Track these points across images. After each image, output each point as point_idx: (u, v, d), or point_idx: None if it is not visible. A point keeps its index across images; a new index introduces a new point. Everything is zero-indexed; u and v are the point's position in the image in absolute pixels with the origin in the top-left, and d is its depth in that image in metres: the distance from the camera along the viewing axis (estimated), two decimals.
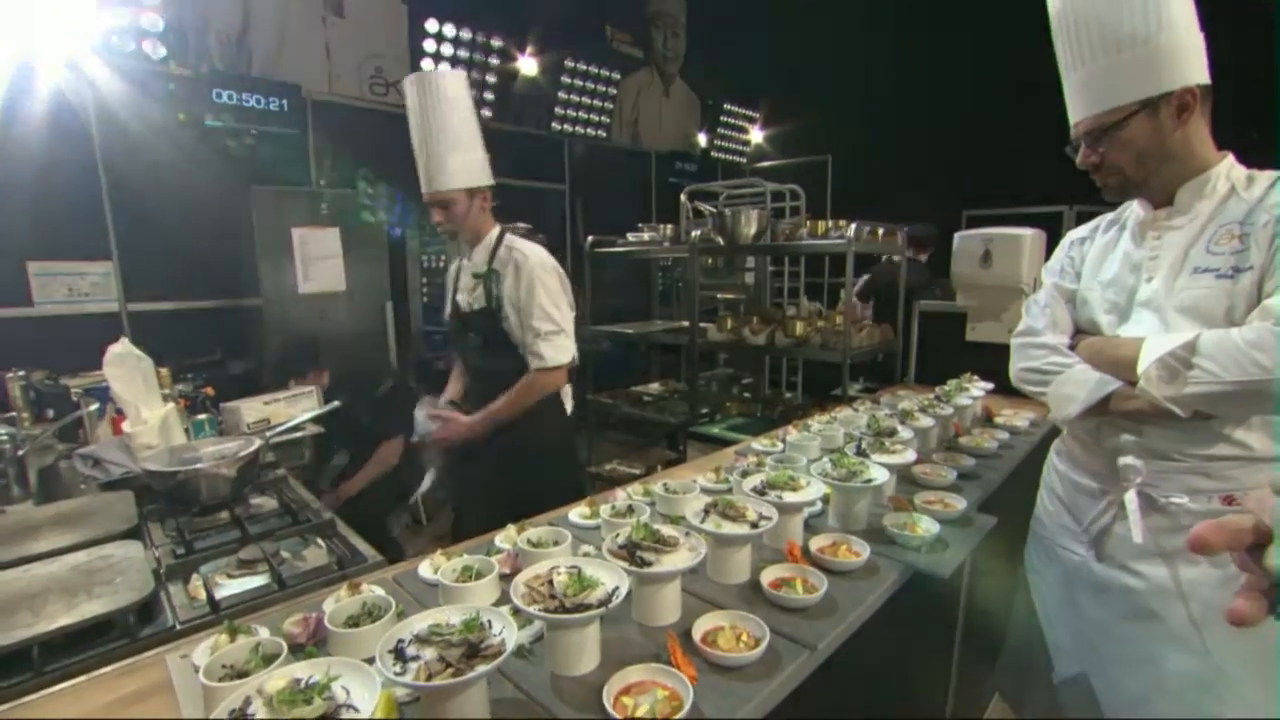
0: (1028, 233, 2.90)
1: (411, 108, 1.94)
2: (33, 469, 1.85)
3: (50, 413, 2.49)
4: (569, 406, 2.19)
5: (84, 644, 1.00)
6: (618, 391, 4.09)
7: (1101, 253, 1.41)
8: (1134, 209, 1.37)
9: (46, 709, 0.85)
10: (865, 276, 4.35)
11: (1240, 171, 1.23)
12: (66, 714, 0.83)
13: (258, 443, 1.67)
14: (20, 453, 1.80)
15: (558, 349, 1.96)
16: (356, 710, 0.67)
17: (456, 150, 1.93)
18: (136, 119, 3.49)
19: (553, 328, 1.95)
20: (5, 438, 1.81)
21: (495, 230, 2.08)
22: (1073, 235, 1.51)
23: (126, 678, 0.92)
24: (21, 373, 2.47)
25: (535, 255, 2.01)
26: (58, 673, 0.94)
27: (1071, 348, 1.36)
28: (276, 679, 0.69)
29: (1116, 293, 1.34)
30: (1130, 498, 1.25)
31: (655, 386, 4.22)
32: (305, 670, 0.71)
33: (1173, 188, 1.26)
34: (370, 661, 0.75)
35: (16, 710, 0.85)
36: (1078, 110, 1.26)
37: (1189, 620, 1.21)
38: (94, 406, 1.89)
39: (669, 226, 3.77)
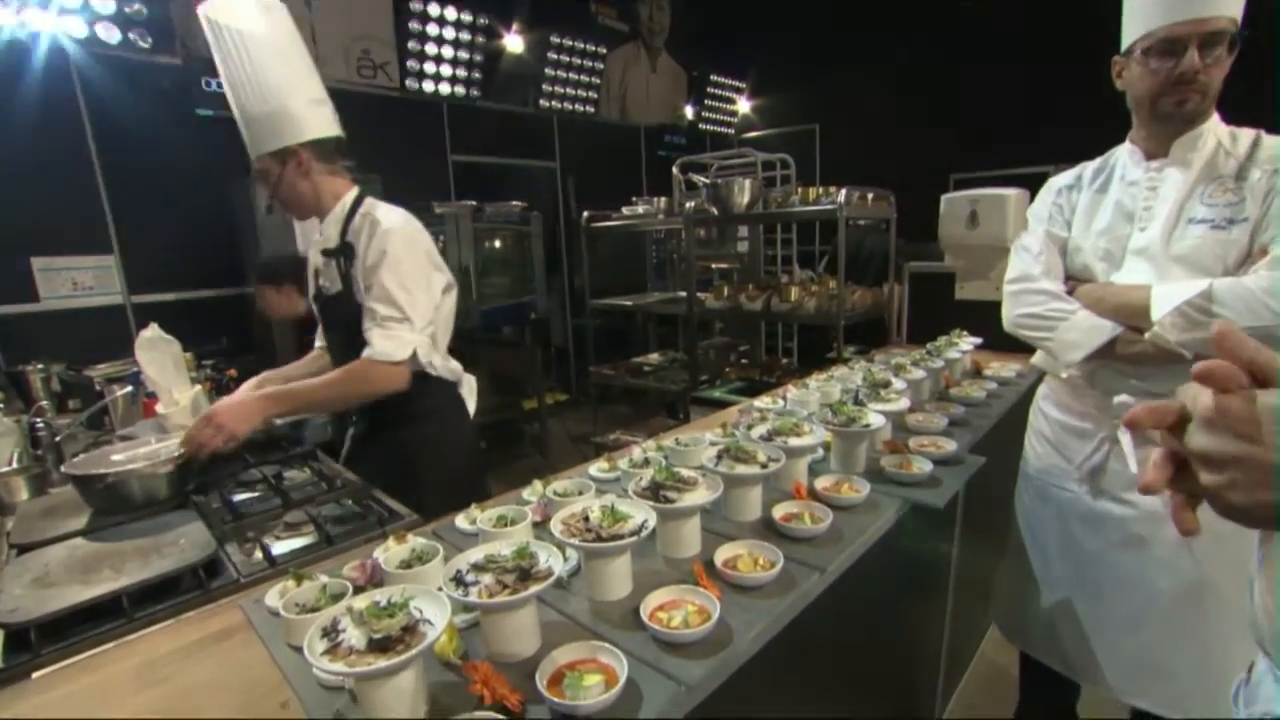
0: (1011, 192, 2.99)
1: (229, 34, 1.49)
2: (68, 456, 1.94)
3: (71, 403, 2.57)
4: (471, 406, 1.88)
5: (163, 596, 1.10)
6: (618, 363, 4.19)
7: (1092, 202, 1.46)
8: (1121, 158, 1.43)
9: (150, 645, 0.96)
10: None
11: (1224, 128, 1.31)
12: (167, 648, 0.94)
13: None
14: (57, 439, 1.88)
15: (392, 341, 1.56)
16: (432, 624, 0.77)
17: (260, 103, 1.51)
18: (128, 110, 3.51)
19: (392, 314, 1.57)
20: (42, 427, 1.89)
21: (349, 196, 1.67)
22: (1057, 182, 1.55)
23: (208, 620, 1.02)
24: (41, 365, 2.55)
25: (392, 222, 1.61)
26: (145, 619, 1.04)
27: (1069, 293, 1.43)
28: (361, 600, 0.79)
29: (1109, 241, 1.40)
30: (1124, 433, 1.35)
31: (654, 357, 4.32)
32: (383, 594, 0.81)
33: (1168, 139, 1.32)
34: None
35: (123, 647, 0.96)
36: (1204, 6, 1.17)
37: (1177, 540, 1.31)
38: (126, 390, 1.97)
39: (663, 199, 3.84)
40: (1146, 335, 1.25)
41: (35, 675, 0.92)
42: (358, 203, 1.68)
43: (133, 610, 1.03)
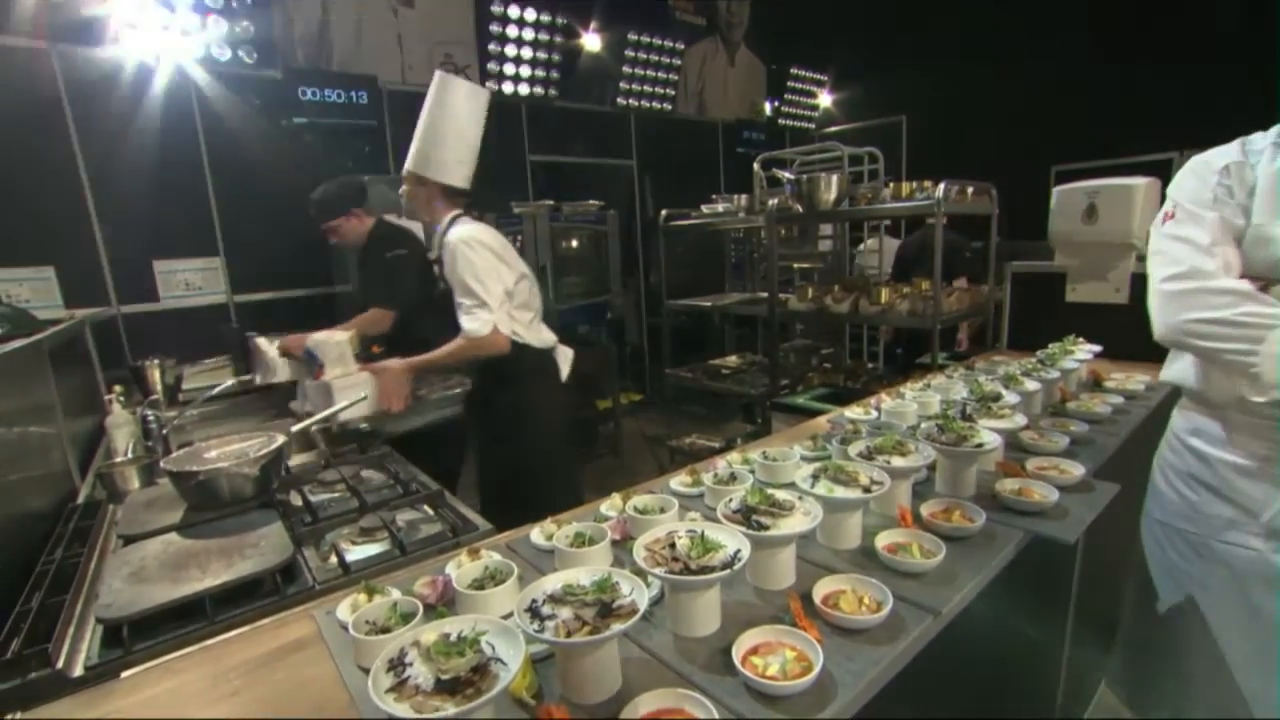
0: (1140, 182, 2.67)
1: (431, 97, 2.11)
2: (174, 447, 2.04)
3: (180, 395, 2.73)
4: (565, 370, 2.31)
5: (242, 599, 1.10)
6: (694, 365, 4.08)
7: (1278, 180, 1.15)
8: None
9: (224, 651, 0.95)
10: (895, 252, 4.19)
11: None
12: (240, 657, 0.93)
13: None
14: (165, 431, 1.98)
15: (475, 321, 2.01)
16: (505, 664, 0.70)
17: (447, 148, 2.11)
18: (235, 122, 3.73)
19: (471, 301, 2.03)
20: (153, 419, 2.00)
21: (448, 217, 2.16)
22: (1218, 160, 1.23)
23: (283, 629, 1.01)
24: (156, 360, 2.72)
25: (459, 234, 2.07)
26: (223, 622, 1.05)
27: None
28: (428, 632, 0.73)
29: None
30: None
31: (732, 359, 4.18)
32: (453, 626, 0.75)
33: None
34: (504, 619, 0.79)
35: (202, 651, 0.96)
36: None
37: None
38: (227, 384, 2.13)
39: (743, 197, 3.69)
40: None
41: (124, 675, 0.93)
42: (451, 222, 2.15)
43: (214, 612, 1.04)
